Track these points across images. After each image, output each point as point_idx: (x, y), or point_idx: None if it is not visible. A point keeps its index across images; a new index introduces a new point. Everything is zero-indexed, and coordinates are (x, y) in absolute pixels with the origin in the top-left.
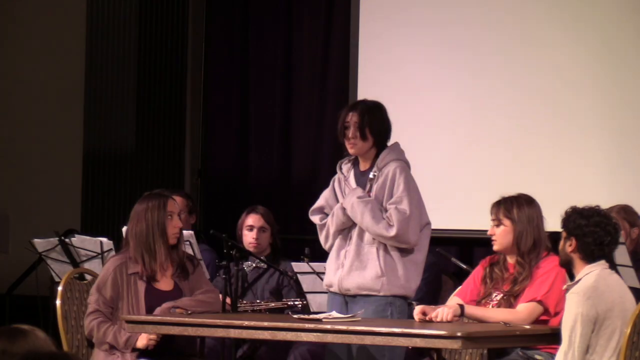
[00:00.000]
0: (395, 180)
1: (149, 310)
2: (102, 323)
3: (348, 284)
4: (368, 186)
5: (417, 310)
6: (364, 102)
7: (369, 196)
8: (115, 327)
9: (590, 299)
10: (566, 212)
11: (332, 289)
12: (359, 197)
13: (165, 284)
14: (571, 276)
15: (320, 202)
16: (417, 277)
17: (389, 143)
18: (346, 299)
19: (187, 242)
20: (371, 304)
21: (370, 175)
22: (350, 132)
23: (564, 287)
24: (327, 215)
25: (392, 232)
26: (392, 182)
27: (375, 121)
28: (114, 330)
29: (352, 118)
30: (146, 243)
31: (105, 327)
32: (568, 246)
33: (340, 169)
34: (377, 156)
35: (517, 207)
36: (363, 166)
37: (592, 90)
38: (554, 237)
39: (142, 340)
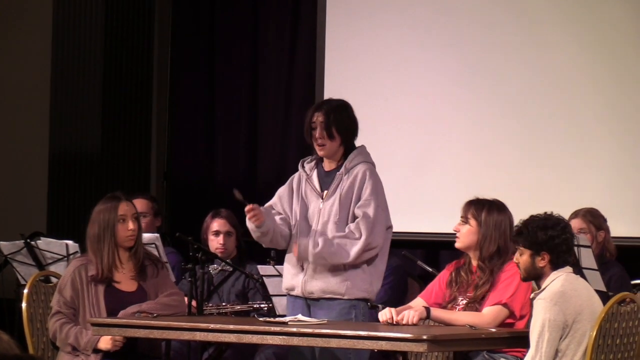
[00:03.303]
0: (365, 182)
1: (111, 312)
2: (65, 324)
3: (312, 287)
4: (334, 185)
5: (384, 311)
6: (329, 101)
7: (333, 197)
8: (77, 328)
9: (557, 304)
10: (522, 230)
11: (293, 293)
12: (315, 253)
13: (127, 285)
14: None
15: (273, 200)
16: (378, 280)
17: (357, 143)
18: (308, 302)
19: (153, 245)
20: (334, 308)
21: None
22: (317, 133)
23: (531, 296)
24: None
25: (361, 242)
26: (361, 184)
27: (342, 119)
28: (75, 331)
29: (317, 118)
30: (97, 245)
31: (68, 328)
32: (539, 261)
33: (303, 167)
34: (344, 155)
35: (486, 210)
36: (328, 166)
37: (567, 90)
38: None
39: (106, 344)
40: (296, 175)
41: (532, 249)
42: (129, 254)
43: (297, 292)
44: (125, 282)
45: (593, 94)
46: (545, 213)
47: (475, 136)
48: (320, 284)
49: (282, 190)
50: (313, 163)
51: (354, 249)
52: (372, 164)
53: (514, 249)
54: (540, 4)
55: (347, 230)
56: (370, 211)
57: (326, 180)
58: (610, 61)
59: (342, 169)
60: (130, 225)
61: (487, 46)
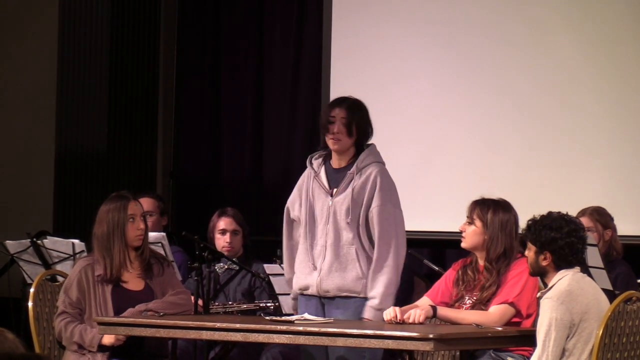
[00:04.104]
0: (377, 184)
1: (118, 311)
2: (70, 323)
3: (327, 285)
4: (345, 183)
5: (389, 311)
6: (350, 98)
7: (343, 195)
8: (82, 325)
9: (564, 303)
10: (531, 226)
11: (307, 292)
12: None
13: (134, 284)
14: (544, 281)
15: (293, 214)
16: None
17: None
18: (322, 301)
19: (159, 244)
20: (350, 306)
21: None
22: (336, 127)
23: (538, 295)
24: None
25: (391, 268)
26: (374, 185)
27: (362, 119)
28: (80, 329)
29: (338, 114)
30: (106, 245)
31: (73, 327)
32: (542, 260)
33: (311, 163)
34: (354, 155)
35: (492, 211)
36: (337, 163)
37: (571, 89)
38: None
39: (109, 339)
40: (304, 173)
41: (536, 246)
42: (135, 253)
43: (312, 291)
44: (132, 281)
45: (598, 93)
46: (559, 213)
47: (480, 135)
48: (336, 282)
49: (294, 197)
50: (321, 160)
51: (389, 276)
52: (383, 164)
53: (519, 249)
54: (543, 5)
55: (375, 257)
56: (391, 220)
57: (335, 177)
58: (614, 60)
59: (354, 168)
60: (140, 224)
61: (493, 44)
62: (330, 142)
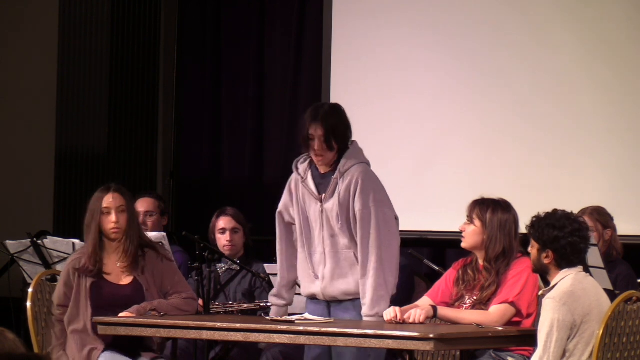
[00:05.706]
0: (359, 186)
1: (97, 305)
2: (55, 348)
3: (333, 292)
4: (331, 189)
5: (389, 311)
6: (323, 110)
7: (331, 201)
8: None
9: (566, 304)
10: (534, 223)
11: (314, 298)
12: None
13: (117, 277)
14: (544, 280)
15: (280, 207)
16: (395, 273)
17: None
18: (330, 305)
19: (160, 244)
20: (356, 307)
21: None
22: (316, 145)
23: (540, 293)
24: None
25: (375, 271)
26: (355, 187)
27: (339, 128)
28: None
29: (316, 131)
30: (87, 234)
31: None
32: (544, 258)
33: (297, 168)
34: (338, 158)
35: (491, 210)
36: (323, 168)
37: (571, 89)
38: (527, 240)
39: None
40: (292, 178)
41: (539, 243)
42: (117, 246)
43: (319, 297)
44: (117, 274)
45: (597, 93)
46: (564, 211)
47: (481, 135)
48: (341, 288)
49: (286, 201)
50: (307, 164)
51: (375, 279)
52: (366, 163)
53: (519, 249)
54: (544, 3)
55: (359, 263)
56: (371, 222)
57: (322, 182)
58: (614, 60)
59: (337, 173)
60: (113, 217)
61: (492, 45)
62: (314, 159)
